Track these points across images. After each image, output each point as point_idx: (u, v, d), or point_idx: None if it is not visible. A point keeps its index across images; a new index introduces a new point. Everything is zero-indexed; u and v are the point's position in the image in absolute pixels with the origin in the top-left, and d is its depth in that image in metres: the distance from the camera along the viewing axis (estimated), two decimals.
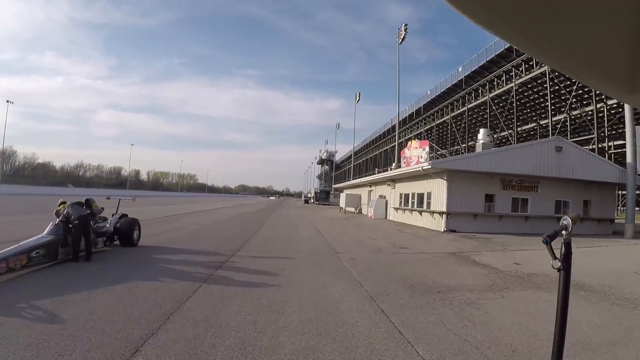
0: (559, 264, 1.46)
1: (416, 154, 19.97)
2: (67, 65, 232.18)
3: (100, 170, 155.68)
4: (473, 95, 37.13)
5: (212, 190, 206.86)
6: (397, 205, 21.58)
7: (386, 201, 24.23)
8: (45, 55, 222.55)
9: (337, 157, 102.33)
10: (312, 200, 74.20)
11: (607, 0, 0.58)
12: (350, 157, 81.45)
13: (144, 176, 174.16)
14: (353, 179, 54.50)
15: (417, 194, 18.69)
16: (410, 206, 19.50)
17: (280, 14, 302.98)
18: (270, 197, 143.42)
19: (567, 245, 1.47)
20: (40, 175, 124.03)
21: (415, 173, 17.63)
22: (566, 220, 1.47)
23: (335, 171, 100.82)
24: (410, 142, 21.74)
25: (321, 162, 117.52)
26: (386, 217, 23.79)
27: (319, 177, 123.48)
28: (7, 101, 71.17)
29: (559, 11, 0.59)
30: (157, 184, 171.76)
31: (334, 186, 57.69)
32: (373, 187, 28.56)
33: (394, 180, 22.56)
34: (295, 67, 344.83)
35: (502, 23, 0.63)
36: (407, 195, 20.23)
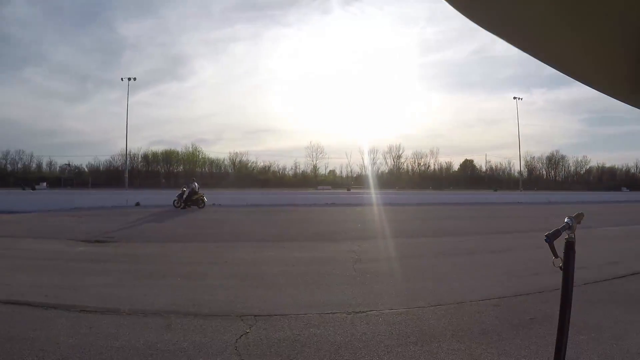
0: (561, 262, 1.25)
1: None
2: None
3: None
4: None
5: None
6: None
7: None
8: None
9: None
10: None
11: (607, 1, 0.57)
12: None
13: None
14: None
15: None
16: None
17: None
18: None
19: (570, 245, 1.26)
20: (594, 179, 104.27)
21: None
22: (570, 220, 1.25)
23: None
24: None
25: None
26: None
27: None
28: (514, 97, 63.27)
29: (559, 12, 0.58)
30: None
31: None
32: None
33: None
34: None
35: (503, 24, 0.63)
36: None
